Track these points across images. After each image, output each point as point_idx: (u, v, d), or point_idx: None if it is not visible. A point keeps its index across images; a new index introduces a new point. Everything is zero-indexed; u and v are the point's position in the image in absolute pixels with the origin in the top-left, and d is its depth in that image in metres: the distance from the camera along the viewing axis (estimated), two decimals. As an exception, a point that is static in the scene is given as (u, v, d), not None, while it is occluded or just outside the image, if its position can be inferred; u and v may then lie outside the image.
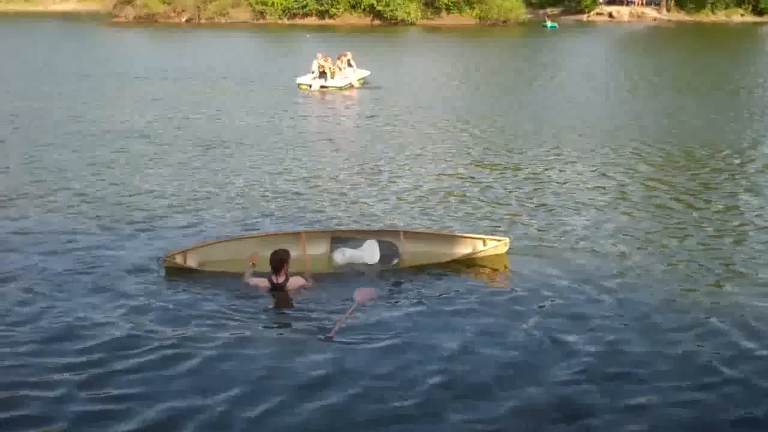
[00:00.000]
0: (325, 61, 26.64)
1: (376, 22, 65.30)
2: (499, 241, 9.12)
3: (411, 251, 8.96)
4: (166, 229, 10.59)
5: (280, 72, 30.58)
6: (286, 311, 7.97)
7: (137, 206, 11.68)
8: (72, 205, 11.79)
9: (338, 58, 27.51)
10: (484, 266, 9.02)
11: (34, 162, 14.64)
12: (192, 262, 8.55)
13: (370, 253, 8.89)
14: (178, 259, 8.48)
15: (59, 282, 8.55)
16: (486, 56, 40.78)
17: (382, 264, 8.84)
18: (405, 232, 9.21)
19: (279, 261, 8.11)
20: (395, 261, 8.87)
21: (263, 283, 8.21)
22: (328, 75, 26.28)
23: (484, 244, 9.03)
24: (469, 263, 9.00)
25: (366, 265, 8.81)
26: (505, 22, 66.59)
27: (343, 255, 8.90)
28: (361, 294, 7.94)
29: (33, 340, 7.19)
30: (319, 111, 22.23)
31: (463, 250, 9.02)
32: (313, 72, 26.37)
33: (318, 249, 9.00)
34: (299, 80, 26.35)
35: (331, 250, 8.98)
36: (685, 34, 60.28)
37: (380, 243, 8.99)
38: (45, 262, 9.12)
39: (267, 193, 12.57)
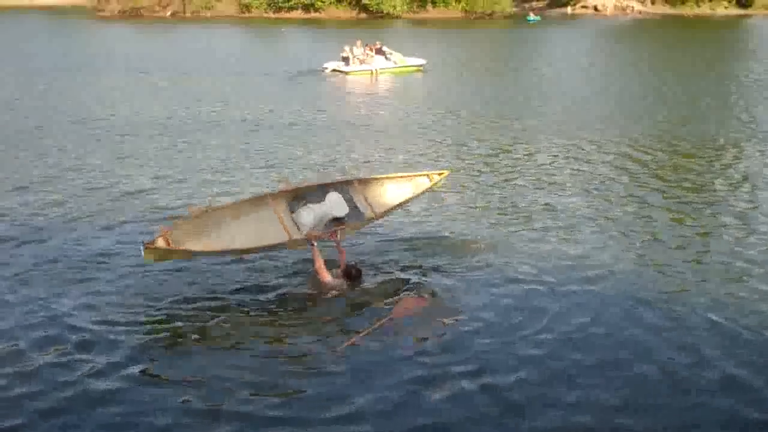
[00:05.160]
0: (370, 49, 29.28)
1: (362, 15, 65.29)
2: (441, 173, 9.72)
3: (368, 196, 9.28)
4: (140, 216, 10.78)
5: (268, 64, 30.83)
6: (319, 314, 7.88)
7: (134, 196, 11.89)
8: (74, 194, 11.88)
9: (368, 47, 29.71)
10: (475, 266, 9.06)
11: (25, 155, 14.72)
12: (175, 244, 8.19)
13: (337, 205, 8.95)
14: (161, 243, 8.10)
15: (48, 274, 8.62)
16: (473, 48, 40.90)
17: (353, 216, 8.95)
18: (359, 180, 9.49)
19: (358, 273, 8.36)
20: (361, 210, 9.07)
21: (339, 284, 8.32)
22: (351, 62, 28.50)
23: (429, 179, 9.53)
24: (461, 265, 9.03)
25: (337, 219, 8.89)
26: (490, 15, 66.73)
27: (313, 213, 8.84)
28: (399, 309, 7.74)
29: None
30: (314, 96, 22.45)
31: (412, 187, 9.45)
32: (347, 58, 28.69)
33: (287, 207, 8.97)
34: (325, 65, 28.93)
35: (299, 208, 8.90)
36: (670, 27, 60.52)
37: (342, 194, 9.07)
38: (38, 254, 9.21)
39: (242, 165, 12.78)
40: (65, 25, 54.11)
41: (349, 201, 9.08)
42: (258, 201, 8.90)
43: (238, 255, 8.65)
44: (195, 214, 8.46)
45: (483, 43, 45.07)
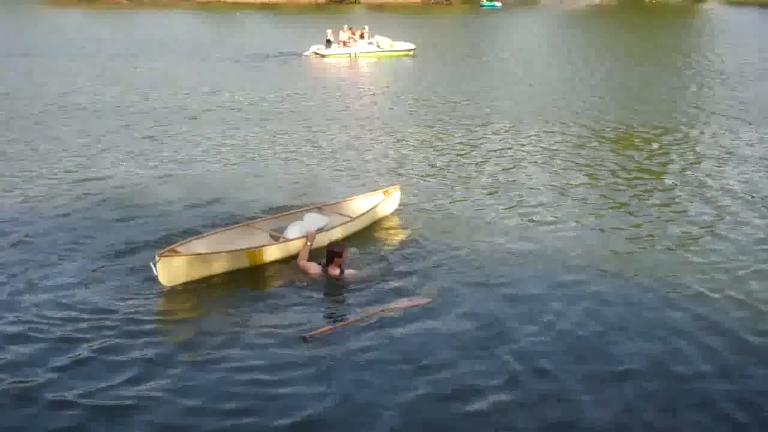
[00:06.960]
0: (352, 33, 30.45)
1: (320, 0, 65.18)
2: (395, 188, 10.59)
3: (336, 213, 10.09)
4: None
5: (233, 49, 31.07)
6: (294, 306, 7.62)
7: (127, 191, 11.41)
8: (62, 189, 11.30)
9: (352, 31, 30.93)
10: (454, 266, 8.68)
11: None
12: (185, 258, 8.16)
13: (316, 220, 9.61)
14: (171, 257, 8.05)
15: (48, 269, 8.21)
16: (436, 34, 41.20)
17: (328, 226, 9.55)
18: (325, 204, 10.36)
19: (329, 255, 8.32)
20: (335, 224, 9.71)
21: (314, 269, 8.35)
22: (333, 45, 29.76)
23: (385, 194, 10.41)
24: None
25: (319, 229, 9.38)
26: (448, 1, 67.01)
27: (299, 227, 9.41)
28: (390, 305, 7.50)
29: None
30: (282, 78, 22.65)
31: (370, 205, 10.26)
32: (330, 40, 29.90)
33: (271, 230, 9.54)
34: (311, 47, 29.85)
35: (286, 227, 9.52)
36: (627, 13, 61.21)
37: (317, 213, 9.90)
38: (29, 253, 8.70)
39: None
40: (16, 11, 53.29)
41: (323, 217, 9.82)
42: (245, 226, 9.51)
43: (247, 260, 8.53)
44: (191, 239, 8.71)
45: (448, 29, 45.26)
